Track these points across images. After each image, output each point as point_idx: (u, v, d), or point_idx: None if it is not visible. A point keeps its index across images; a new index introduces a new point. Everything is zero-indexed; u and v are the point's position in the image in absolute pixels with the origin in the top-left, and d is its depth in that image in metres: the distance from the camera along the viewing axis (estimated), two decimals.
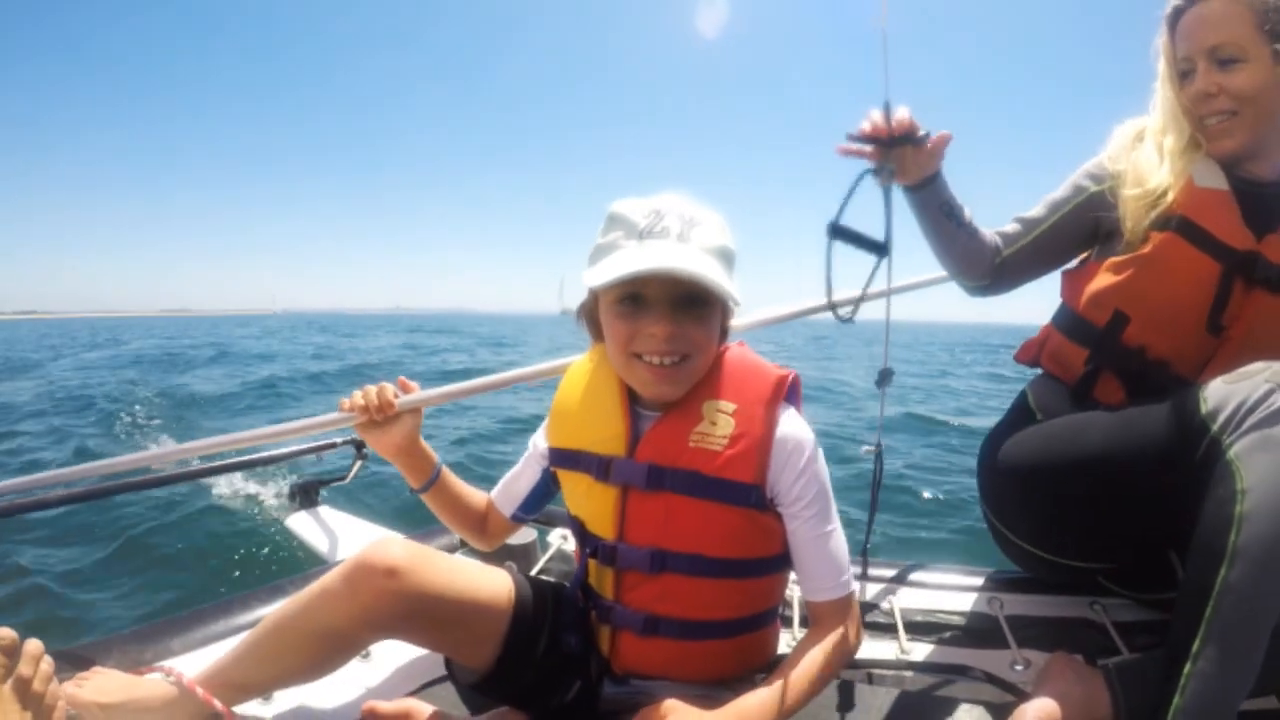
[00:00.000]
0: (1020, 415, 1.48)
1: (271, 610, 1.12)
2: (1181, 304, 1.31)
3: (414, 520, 2.44)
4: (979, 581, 1.58)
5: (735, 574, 1.08)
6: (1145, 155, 1.39)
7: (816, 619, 1.10)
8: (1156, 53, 1.39)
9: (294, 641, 1.08)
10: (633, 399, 1.15)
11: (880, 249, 1.26)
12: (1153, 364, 1.33)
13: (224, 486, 4.79)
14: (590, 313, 1.16)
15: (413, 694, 1.29)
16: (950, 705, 1.25)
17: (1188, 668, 0.96)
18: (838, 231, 1.24)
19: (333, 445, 2.14)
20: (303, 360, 17.45)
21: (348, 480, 2.32)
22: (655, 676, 1.13)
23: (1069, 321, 1.45)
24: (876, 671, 1.35)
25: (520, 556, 1.69)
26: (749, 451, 1.05)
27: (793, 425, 1.09)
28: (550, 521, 1.86)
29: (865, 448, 1.50)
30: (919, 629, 1.46)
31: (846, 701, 1.24)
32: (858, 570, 1.63)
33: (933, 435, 7.33)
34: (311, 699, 1.24)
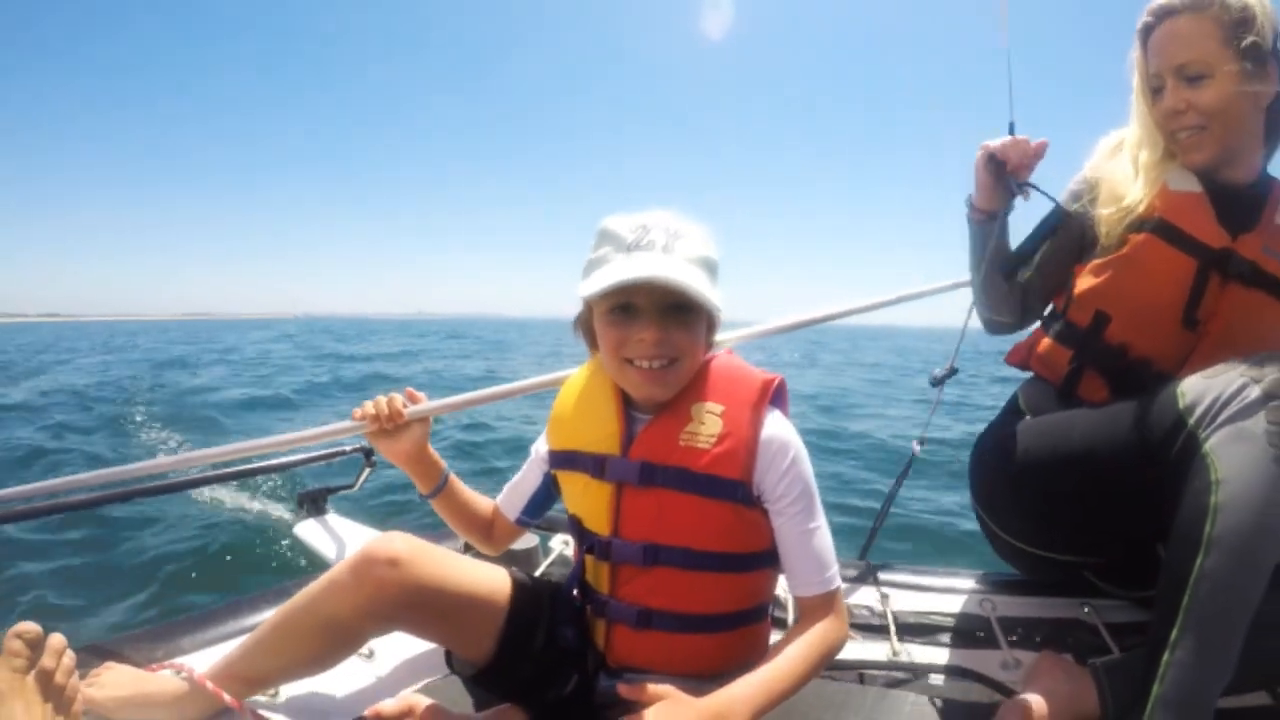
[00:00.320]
0: (1011, 416, 1.51)
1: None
2: (1159, 301, 1.34)
3: (420, 529, 2.48)
4: (971, 583, 1.61)
5: (724, 568, 1.12)
6: (1120, 168, 1.43)
7: (802, 614, 1.14)
8: (1131, 66, 1.43)
9: (301, 633, 1.13)
10: (627, 403, 1.20)
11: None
12: (1134, 361, 1.36)
13: (234, 493, 4.84)
14: (586, 324, 1.21)
15: (415, 691, 1.33)
16: (940, 705, 1.27)
17: (1166, 656, 0.99)
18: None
19: (342, 453, 2.18)
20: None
21: (355, 488, 2.35)
22: (649, 670, 1.16)
23: (1055, 324, 1.48)
24: (868, 672, 1.37)
25: (522, 561, 1.73)
26: (735, 449, 1.10)
27: (777, 426, 1.14)
28: (552, 528, 1.90)
29: (915, 444, 1.58)
30: (911, 630, 1.49)
31: (838, 701, 1.26)
32: (854, 570, 1.68)
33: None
34: (317, 695, 1.28)
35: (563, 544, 1.86)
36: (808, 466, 1.14)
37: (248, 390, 12.39)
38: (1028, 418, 1.46)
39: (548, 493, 1.37)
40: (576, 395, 1.27)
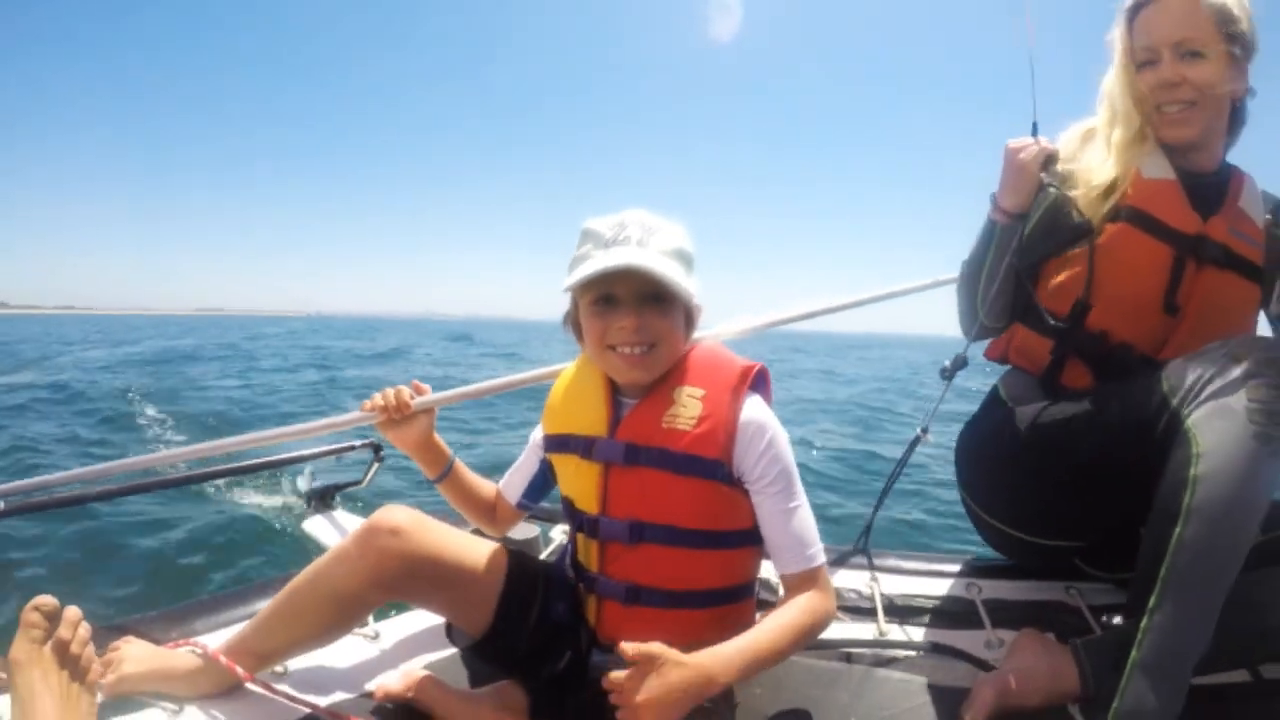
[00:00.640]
0: (994, 406, 1.55)
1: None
2: (1140, 289, 1.38)
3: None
4: (959, 568, 1.65)
5: (707, 544, 1.18)
6: (1093, 153, 1.46)
7: (787, 590, 1.19)
8: (1111, 44, 1.46)
9: (311, 604, 1.19)
10: (615, 389, 1.27)
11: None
12: (1116, 346, 1.40)
13: (243, 489, 4.92)
14: (573, 319, 1.28)
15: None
16: (923, 682, 1.31)
17: (1145, 622, 1.03)
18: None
19: (351, 448, 2.23)
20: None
21: (364, 484, 2.40)
22: None
23: (1033, 315, 1.51)
24: (855, 651, 1.42)
25: (524, 550, 1.78)
26: (715, 430, 1.16)
27: (755, 409, 1.20)
28: (552, 519, 1.96)
29: (921, 432, 1.66)
30: (898, 612, 1.54)
31: (826, 679, 1.31)
32: (846, 555, 1.73)
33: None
34: (324, 670, 1.34)
35: (562, 534, 1.91)
36: (786, 448, 1.20)
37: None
38: (1011, 407, 1.49)
39: (545, 477, 1.44)
40: (568, 384, 1.35)
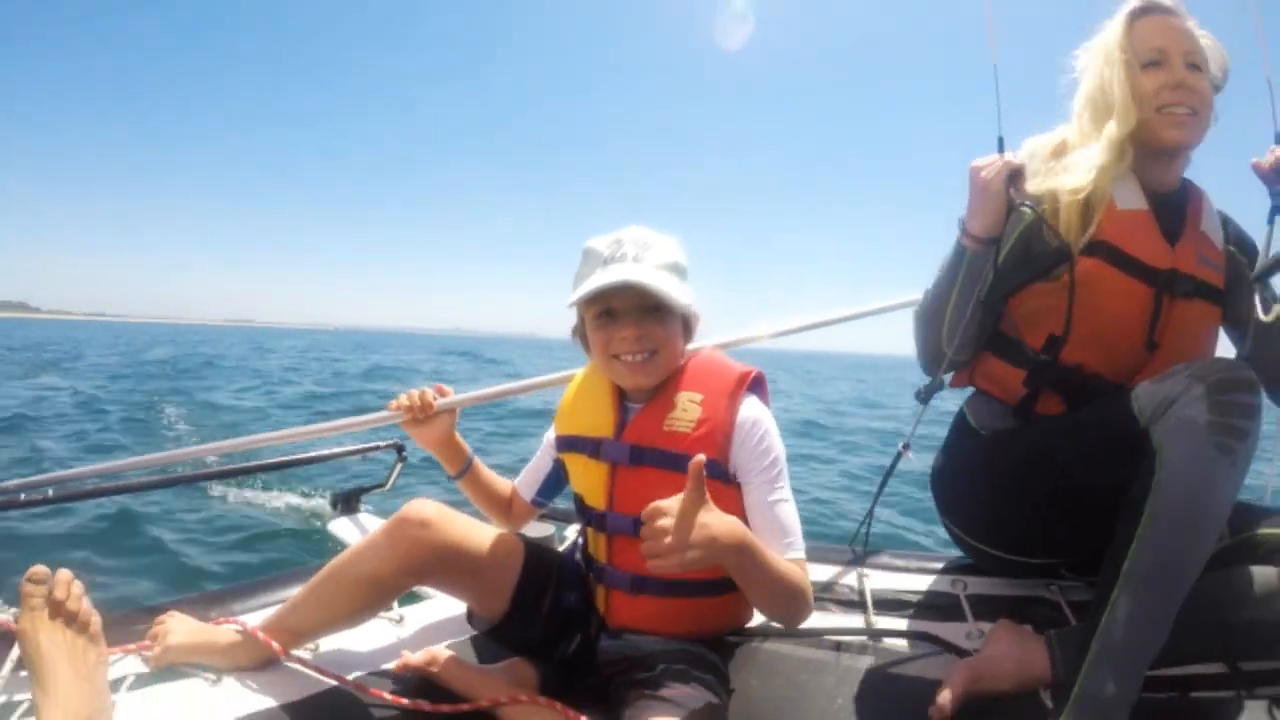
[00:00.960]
0: (963, 433, 1.60)
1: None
2: (1122, 326, 1.42)
3: None
4: (945, 564, 1.73)
5: None
6: (1074, 160, 1.46)
7: None
8: (1111, 42, 1.46)
9: (344, 587, 1.30)
10: (622, 395, 1.38)
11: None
12: (1090, 377, 1.43)
13: (270, 492, 5.01)
14: (581, 332, 1.39)
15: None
16: (905, 669, 1.39)
17: (1106, 616, 1.10)
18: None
19: (376, 448, 2.32)
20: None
21: (388, 486, 2.50)
22: (645, 631, 1.32)
23: (1001, 343, 1.52)
24: (844, 639, 1.49)
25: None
26: (713, 432, 1.27)
27: (751, 409, 1.30)
28: (567, 519, 2.06)
29: (903, 448, 1.71)
30: (886, 605, 1.62)
31: (814, 666, 1.39)
32: (838, 554, 1.82)
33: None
34: (352, 651, 1.44)
35: (576, 533, 2.01)
36: (778, 443, 1.30)
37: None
38: (981, 434, 1.54)
39: (558, 475, 1.55)
40: (579, 389, 1.46)
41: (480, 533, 1.34)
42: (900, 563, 1.77)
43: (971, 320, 1.47)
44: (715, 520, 1.06)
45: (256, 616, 1.44)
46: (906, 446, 1.74)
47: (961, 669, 1.26)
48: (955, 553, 1.75)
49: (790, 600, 1.22)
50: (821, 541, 1.91)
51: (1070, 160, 1.48)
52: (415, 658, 1.32)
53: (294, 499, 4.90)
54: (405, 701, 1.21)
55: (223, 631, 1.35)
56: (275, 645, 1.29)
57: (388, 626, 1.55)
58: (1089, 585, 1.56)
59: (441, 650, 1.32)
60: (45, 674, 1.09)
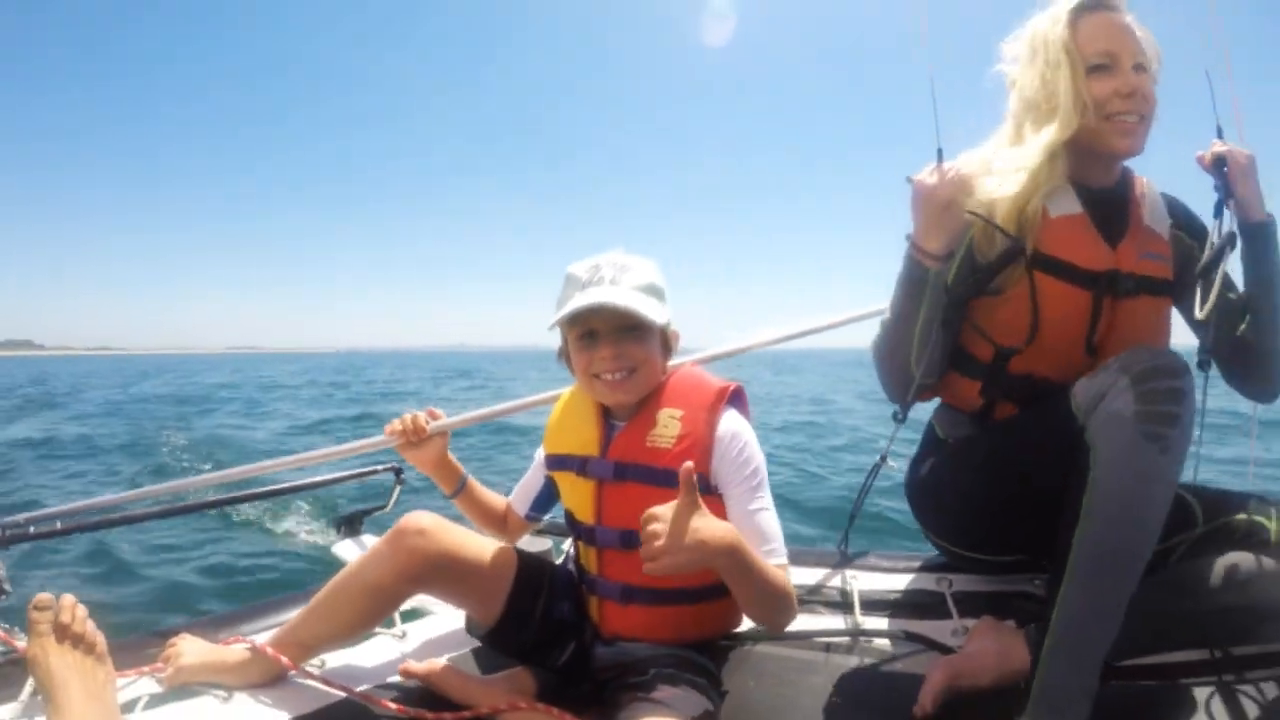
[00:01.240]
0: (932, 443, 1.63)
1: None
2: (1060, 335, 1.41)
3: None
4: (932, 563, 1.77)
5: None
6: (1003, 165, 1.43)
7: None
8: (1054, 44, 1.40)
9: (349, 597, 1.35)
10: (607, 413, 1.43)
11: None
12: (1040, 383, 1.44)
13: (272, 517, 5.06)
14: (565, 353, 1.45)
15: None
16: (892, 667, 1.43)
17: (1057, 611, 1.13)
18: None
19: (374, 471, 2.35)
20: None
21: (388, 508, 2.54)
22: (637, 638, 1.37)
23: (957, 357, 1.52)
24: (832, 640, 1.53)
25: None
26: (693, 447, 1.32)
27: (730, 423, 1.35)
28: (564, 533, 2.11)
29: (886, 460, 1.76)
30: (873, 605, 1.66)
31: (803, 665, 1.43)
32: (826, 556, 1.87)
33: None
34: (357, 665, 1.49)
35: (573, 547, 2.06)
36: (757, 454, 1.35)
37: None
38: (949, 443, 1.58)
39: (550, 491, 1.60)
40: (565, 408, 1.52)
41: (475, 542, 1.40)
42: (887, 563, 1.81)
43: (930, 341, 1.44)
44: (707, 525, 1.11)
45: (264, 636, 1.49)
46: (884, 458, 1.79)
47: (943, 665, 1.29)
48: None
49: (776, 604, 1.27)
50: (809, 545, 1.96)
51: (1000, 165, 1.43)
52: (418, 666, 1.38)
53: (297, 523, 4.95)
54: (409, 710, 1.26)
55: (233, 650, 1.40)
56: (284, 659, 1.35)
57: (391, 642, 1.60)
58: None
59: (443, 664, 1.38)
60: (58, 695, 1.14)
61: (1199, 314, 1.30)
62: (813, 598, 1.72)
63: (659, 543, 1.08)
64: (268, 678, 1.37)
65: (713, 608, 1.38)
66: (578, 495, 1.43)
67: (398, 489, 2.44)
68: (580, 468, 1.41)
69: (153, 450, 9.28)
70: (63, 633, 1.21)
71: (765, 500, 1.33)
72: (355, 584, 1.35)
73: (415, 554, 1.32)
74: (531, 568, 1.44)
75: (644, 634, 1.37)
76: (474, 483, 1.71)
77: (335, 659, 1.47)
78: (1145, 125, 1.40)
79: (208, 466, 8.02)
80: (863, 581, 1.74)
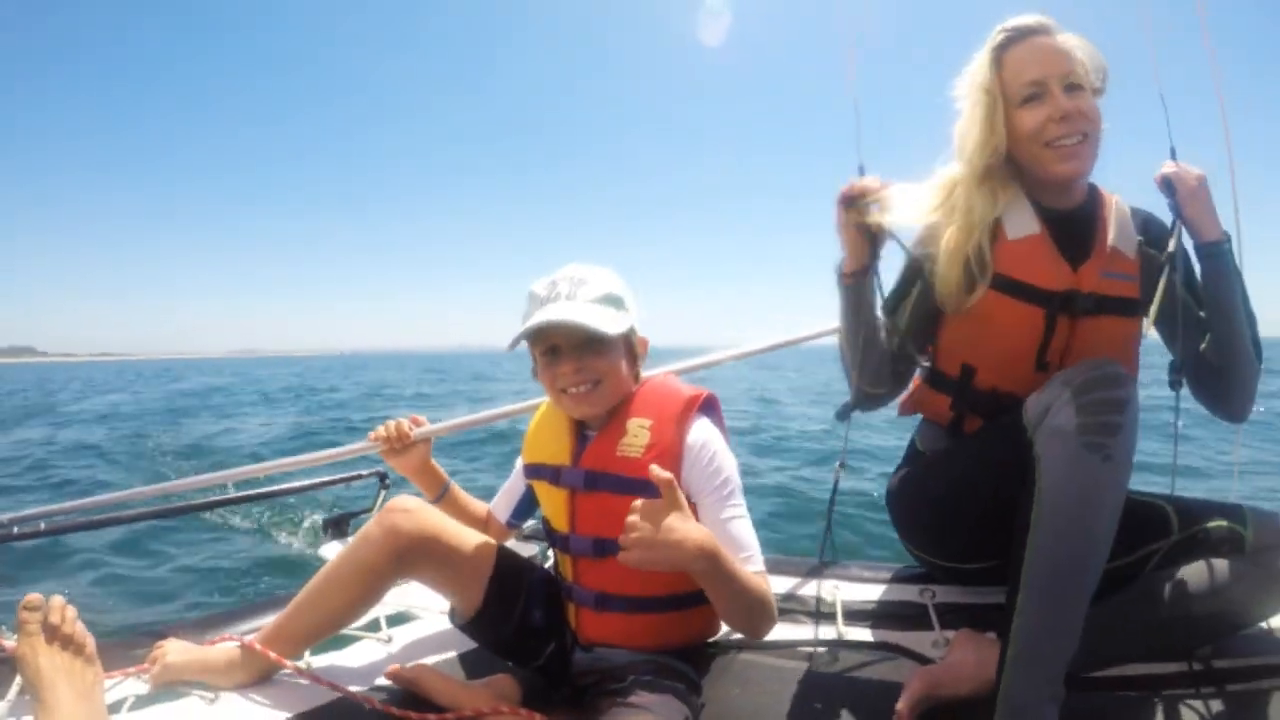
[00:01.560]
0: (911, 456, 1.67)
1: None
2: (1013, 352, 1.45)
3: None
4: (914, 575, 1.78)
5: None
6: (947, 217, 1.46)
7: None
8: (980, 86, 1.43)
9: (341, 579, 1.38)
10: (581, 423, 1.45)
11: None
12: (1004, 397, 1.46)
13: (259, 519, 5.05)
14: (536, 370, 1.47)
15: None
16: (873, 677, 1.44)
17: (1015, 621, 1.14)
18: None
19: (358, 476, 2.36)
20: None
21: (374, 512, 2.55)
22: (615, 645, 1.39)
23: (929, 373, 1.57)
24: (815, 651, 1.54)
25: None
26: (662, 456, 1.33)
27: (700, 432, 1.37)
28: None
29: (839, 466, 1.79)
30: (856, 616, 1.67)
31: (786, 676, 1.44)
32: (808, 567, 1.89)
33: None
34: (343, 666, 1.51)
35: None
36: (728, 462, 1.37)
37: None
38: (925, 455, 1.61)
39: (530, 498, 1.62)
40: (541, 418, 1.54)
41: (457, 528, 1.45)
42: (869, 574, 1.82)
43: (869, 354, 1.49)
44: (683, 526, 1.14)
45: (251, 637, 1.50)
46: (842, 465, 1.84)
47: (921, 675, 1.31)
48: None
49: (754, 611, 1.28)
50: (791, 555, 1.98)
51: (944, 217, 1.47)
52: (405, 669, 1.39)
53: (283, 526, 4.94)
54: (395, 710, 1.27)
55: (220, 650, 1.42)
56: (273, 655, 1.36)
57: (377, 646, 1.61)
58: None
59: (429, 667, 1.39)
60: (46, 694, 1.15)
61: (1145, 327, 1.34)
62: (796, 607, 1.72)
63: (635, 534, 1.11)
64: (255, 677, 1.38)
65: (688, 615, 1.40)
66: (552, 504, 1.46)
67: (383, 494, 2.45)
68: (554, 477, 1.44)
69: (140, 454, 9.24)
70: (52, 633, 1.22)
71: (738, 508, 1.35)
72: (346, 569, 1.38)
73: (400, 530, 1.36)
74: (511, 566, 1.46)
75: (621, 640, 1.39)
76: (456, 488, 1.74)
77: (321, 662, 1.49)
78: (1090, 143, 1.40)
79: (189, 467, 8.01)
80: (845, 592, 1.75)
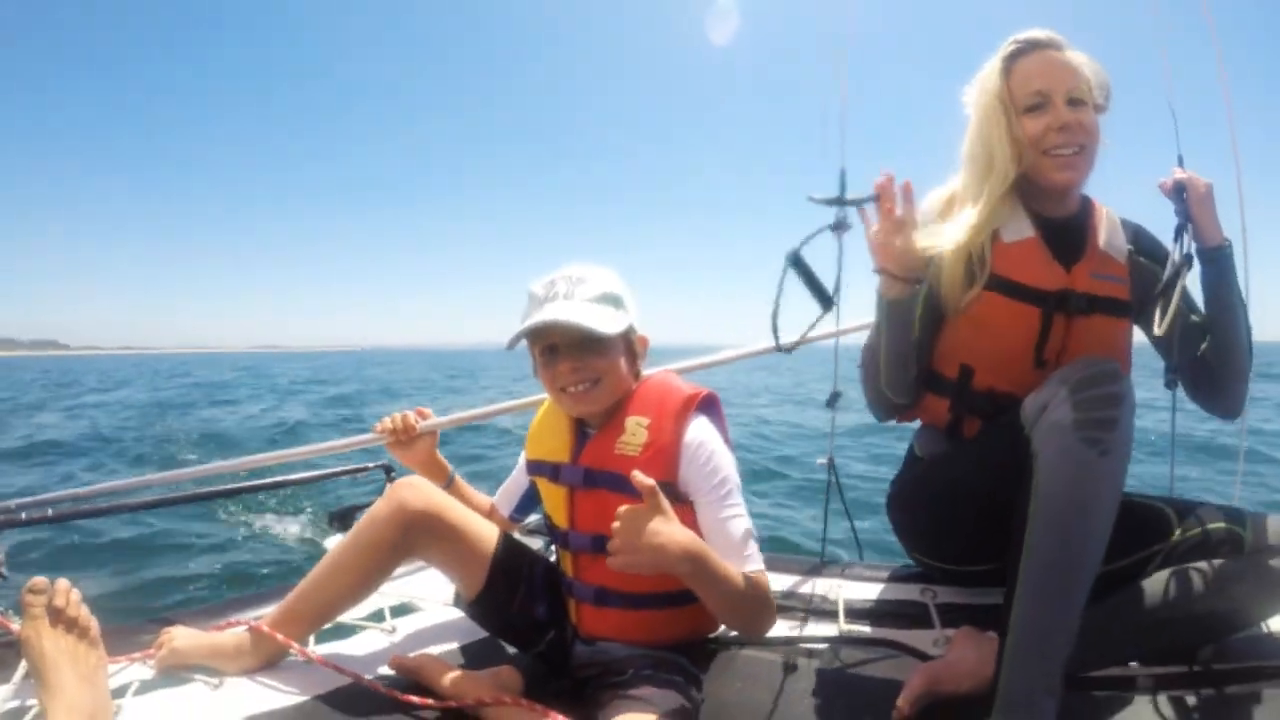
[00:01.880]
0: (911, 462, 1.68)
1: None
2: (1011, 351, 1.48)
3: None
4: (915, 574, 1.79)
5: None
6: (955, 221, 1.49)
7: None
8: (989, 93, 1.48)
9: (351, 556, 1.40)
10: (581, 420, 1.47)
11: (826, 301, 1.39)
12: (1001, 398, 1.48)
13: (265, 513, 5.09)
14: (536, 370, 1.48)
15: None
16: (873, 674, 1.45)
17: (1012, 616, 1.16)
18: (796, 262, 1.37)
19: (364, 469, 2.38)
20: None
21: None
22: (614, 639, 1.40)
23: (928, 377, 1.58)
24: (815, 647, 1.54)
25: None
26: (659, 454, 1.34)
27: (698, 431, 1.38)
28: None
29: (820, 460, 1.78)
30: (857, 614, 1.68)
31: (787, 670, 1.44)
32: (811, 565, 1.89)
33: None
34: (347, 655, 1.52)
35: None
36: (726, 462, 1.37)
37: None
38: (924, 460, 1.62)
39: (533, 493, 1.63)
40: (543, 416, 1.55)
41: (463, 508, 1.47)
42: (871, 573, 1.83)
43: (906, 366, 1.51)
44: (666, 529, 1.16)
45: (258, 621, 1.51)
46: (829, 458, 1.87)
47: (922, 671, 1.31)
48: None
49: (746, 610, 1.30)
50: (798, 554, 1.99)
51: (951, 221, 1.50)
52: (408, 657, 1.41)
53: (288, 517, 4.97)
54: (397, 695, 1.28)
55: (226, 635, 1.43)
56: (280, 636, 1.38)
57: (381, 636, 1.62)
58: None
59: (432, 656, 1.41)
60: (49, 676, 1.16)
61: (1157, 330, 1.36)
62: (797, 605, 1.74)
63: (618, 539, 1.14)
64: (262, 662, 1.40)
65: (688, 611, 1.40)
66: (552, 500, 1.47)
67: (388, 488, 2.47)
68: (554, 474, 1.45)
69: (150, 443, 9.31)
70: (56, 616, 1.23)
71: (737, 507, 1.35)
72: (352, 546, 1.40)
73: (407, 505, 1.38)
74: (514, 550, 1.48)
75: (620, 635, 1.39)
76: (461, 482, 1.75)
77: (325, 650, 1.49)
78: (1085, 155, 1.45)
79: (194, 458, 8.08)
80: (848, 590, 1.76)
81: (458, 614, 1.58)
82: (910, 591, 1.73)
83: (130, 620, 1.56)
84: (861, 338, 1.81)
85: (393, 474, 2.44)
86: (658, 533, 1.14)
